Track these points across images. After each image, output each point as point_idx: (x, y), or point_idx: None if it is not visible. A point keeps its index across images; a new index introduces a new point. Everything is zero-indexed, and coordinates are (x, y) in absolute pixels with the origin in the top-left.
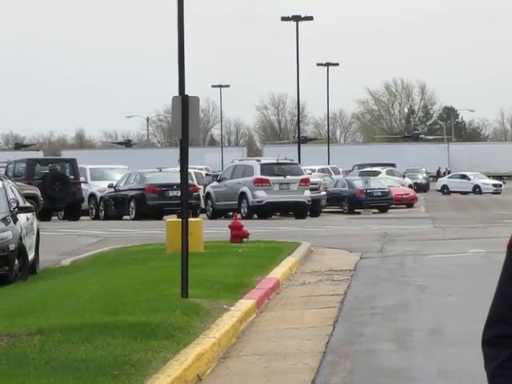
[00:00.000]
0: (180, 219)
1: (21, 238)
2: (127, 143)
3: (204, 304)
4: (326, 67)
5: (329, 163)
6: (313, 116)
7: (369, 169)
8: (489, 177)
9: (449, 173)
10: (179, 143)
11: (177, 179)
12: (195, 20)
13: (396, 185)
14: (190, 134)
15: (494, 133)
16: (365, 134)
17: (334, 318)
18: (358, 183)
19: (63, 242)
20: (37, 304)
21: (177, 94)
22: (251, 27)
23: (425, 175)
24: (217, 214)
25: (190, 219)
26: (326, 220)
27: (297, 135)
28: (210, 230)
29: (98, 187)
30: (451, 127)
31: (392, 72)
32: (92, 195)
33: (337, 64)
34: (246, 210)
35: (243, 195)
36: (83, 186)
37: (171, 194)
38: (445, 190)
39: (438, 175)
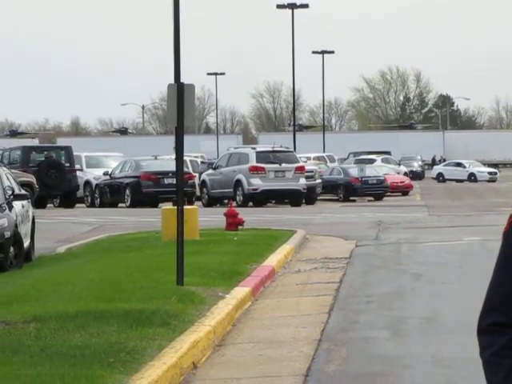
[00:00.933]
0: (175, 207)
1: (16, 226)
2: (122, 131)
3: (199, 292)
4: (321, 55)
5: (324, 151)
6: (308, 104)
7: (364, 157)
8: (484, 165)
9: (444, 161)
10: (174, 131)
11: (172, 167)
12: (191, 7)
13: (391, 173)
14: (185, 122)
15: (490, 121)
16: (360, 122)
17: (329, 306)
18: (354, 171)
19: (58, 230)
20: (32, 291)
21: (172, 81)
22: (247, 14)
23: (420, 163)
24: (212, 201)
25: (185, 207)
26: (322, 208)
27: (292, 123)
28: (206, 218)
29: (94, 175)
30: (446, 115)
31: (387, 60)
32: (87, 183)
33: (332, 52)
34: (242, 198)
35: (238, 183)
36: (78, 173)
37: (166, 181)
38: (440, 177)
39: (434, 163)
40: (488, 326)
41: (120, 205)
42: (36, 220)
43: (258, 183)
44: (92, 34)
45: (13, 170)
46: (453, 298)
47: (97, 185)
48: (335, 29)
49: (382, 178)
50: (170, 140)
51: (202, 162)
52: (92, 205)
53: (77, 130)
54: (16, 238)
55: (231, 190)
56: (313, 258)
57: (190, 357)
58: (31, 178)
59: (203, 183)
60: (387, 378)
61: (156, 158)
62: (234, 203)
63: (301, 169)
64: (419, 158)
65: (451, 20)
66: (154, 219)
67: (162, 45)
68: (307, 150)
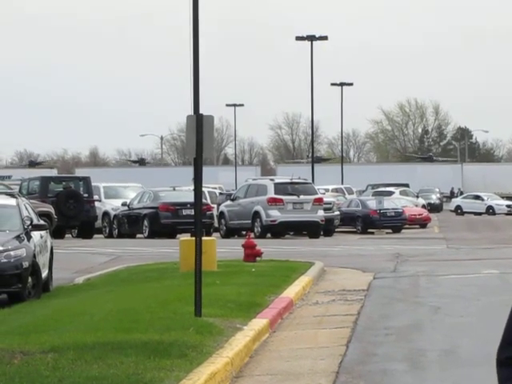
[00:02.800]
0: (194, 238)
1: (34, 256)
2: (141, 161)
3: (217, 323)
4: (339, 87)
5: (342, 183)
6: (326, 136)
7: (382, 189)
8: (502, 198)
9: (462, 193)
10: (193, 162)
11: (190, 198)
12: (210, 38)
13: (409, 205)
14: (204, 153)
15: (508, 153)
16: (378, 154)
17: (347, 338)
18: (372, 203)
19: (77, 260)
20: (50, 322)
21: (191, 112)
22: (266, 46)
23: (438, 195)
24: (230, 232)
25: (203, 238)
26: (340, 240)
27: (310, 155)
28: (224, 249)
29: (112, 205)
30: (465, 148)
31: (406, 92)
32: (106, 213)
33: (351, 84)
34: (260, 229)
35: (257, 214)
36: (97, 204)
37: (185, 212)
38: (458, 210)
39: (452, 195)
40: (506, 359)
41: (138, 236)
42: (54, 250)
43: (276, 215)
44: (112, 66)
45: (31, 200)
46: (471, 330)
47: (115, 215)
48: (354, 61)
49: (401, 211)
50: (189, 171)
51: (221, 194)
52: (110, 235)
53: (95, 161)
54: (34, 268)
55: (249, 221)
56: (331, 289)
57: None
58: (50, 209)
59: (221, 214)
60: None
61: (174, 189)
62: (252, 234)
63: (319, 200)
64: (437, 190)
65: (469, 52)
66: (171, 250)
67: (181, 76)
68: (325, 181)
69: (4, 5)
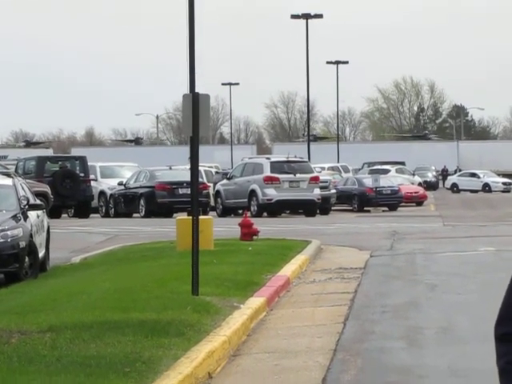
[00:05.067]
0: (190, 217)
1: (31, 236)
2: (137, 141)
3: (214, 302)
4: (335, 65)
5: (338, 161)
6: (322, 114)
7: (378, 167)
8: (498, 175)
9: (460, 171)
10: (189, 141)
11: (187, 177)
12: (205, 18)
13: (405, 183)
14: (200, 132)
15: (504, 131)
16: (374, 133)
17: (344, 316)
18: (368, 181)
19: (73, 240)
20: (47, 301)
21: (186, 91)
22: (261, 25)
23: (434, 173)
24: (227, 211)
25: (200, 217)
26: (336, 218)
27: (306, 133)
28: (220, 228)
29: (108, 185)
30: (461, 125)
31: (401, 70)
32: (102, 193)
33: (346, 62)
34: (256, 208)
35: (253, 193)
36: (93, 183)
37: (181, 191)
38: (454, 188)
39: (443, 173)
40: (502, 334)
41: (134, 215)
42: (51, 230)
43: (272, 193)
44: (107, 46)
45: (28, 180)
46: (468, 308)
47: (111, 195)
48: (349, 39)
49: (397, 189)
50: (185, 150)
51: (217, 172)
52: (106, 215)
53: (91, 140)
54: (31, 248)
55: (246, 200)
56: (327, 268)
57: (205, 367)
58: (46, 188)
59: (217, 193)
60: None
61: (170, 168)
62: (249, 213)
63: (315, 179)
64: (433, 168)
65: (465, 30)
66: (168, 229)
67: (176, 55)
68: (321, 160)
69: None
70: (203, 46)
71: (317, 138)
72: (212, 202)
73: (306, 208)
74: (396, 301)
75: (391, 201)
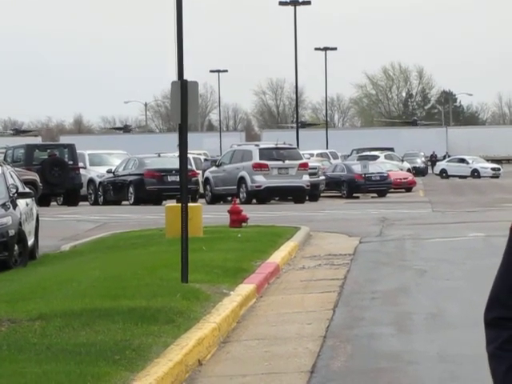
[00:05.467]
0: (179, 204)
1: (20, 224)
2: (125, 128)
3: (204, 289)
4: (323, 52)
5: (327, 148)
6: (311, 101)
7: (367, 153)
8: (487, 161)
9: (448, 157)
10: (178, 128)
11: (176, 164)
12: (193, 5)
13: (394, 169)
14: (188, 119)
15: (493, 117)
16: (363, 119)
17: (334, 303)
18: (357, 167)
19: (62, 228)
20: (37, 289)
21: (174, 78)
22: (249, 12)
23: (423, 159)
24: (216, 198)
25: (189, 204)
26: (325, 204)
27: (295, 120)
28: (209, 215)
29: (97, 172)
30: (449, 111)
31: (390, 56)
32: (91, 180)
33: (335, 48)
34: (245, 195)
35: (242, 180)
36: (82, 171)
37: (170, 179)
38: (443, 174)
39: (432, 160)
40: (492, 319)
41: (123, 203)
42: (40, 218)
43: (261, 180)
44: (93, 33)
45: (16, 168)
46: (457, 294)
47: (100, 183)
48: (338, 26)
49: (386, 175)
50: (173, 137)
51: (206, 160)
52: (95, 203)
53: (80, 128)
54: (20, 236)
55: (235, 187)
56: (317, 254)
57: (195, 354)
58: (35, 176)
59: (206, 180)
60: (393, 374)
61: (159, 156)
62: (238, 200)
63: (304, 165)
64: (422, 154)
65: (453, 16)
66: (157, 217)
67: (164, 42)
68: (310, 146)
69: None
70: (192, 33)
71: (305, 125)
72: (201, 190)
73: (295, 195)
74: (385, 287)
75: (380, 187)
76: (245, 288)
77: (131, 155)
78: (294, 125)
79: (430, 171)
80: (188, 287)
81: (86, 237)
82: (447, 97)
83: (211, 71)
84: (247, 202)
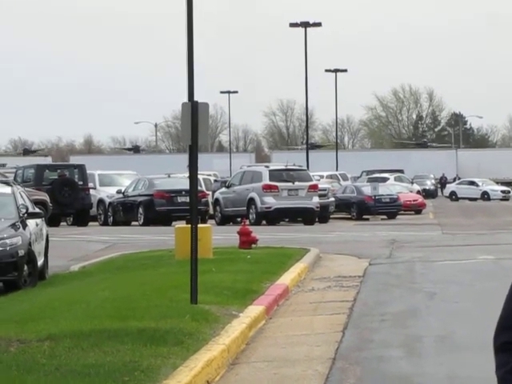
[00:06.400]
0: (189, 225)
1: (30, 244)
2: (135, 149)
3: (213, 310)
4: (334, 73)
5: (337, 169)
6: (321, 122)
7: (377, 175)
8: (497, 183)
9: (458, 179)
10: (188, 149)
11: (185, 185)
12: (204, 26)
13: (404, 191)
14: (199, 140)
15: (503, 139)
16: (373, 141)
17: (343, 325)
18: (367, 189)
19: (72, 248)
20: (46, 310)
21: (185, 99)
22: (260, 34)
23: (433, 181)
24: (225, 219)
25: (198, 225)
26: (335, 226)
27: (305, 141)
28: (219, 236)
29: (107, 193)
30: (459, 133)
31: (400, 78)
32: (101, 201)
33: (345, 70)
34: (255, 216)
35: (252, 201)
36: (92, 191)
37: (180, 199)
38: (453, 196)
39: (442, 182)
40: (502, 344)
41: (133, 223)
42: (50, 238)
43: (271, 201)
44: (106, 54)
45: (26, 189)
46: (467, 316)
47: (110, 203)
48: (348, 47)
49: (395, 197)
50: (183, 158)
51: (215, 181)
52: (105, 223)
53: (90, 148)
54: (30, 257)
55: (244, 208)
56: (326, 276)
57: (204, 375)
58: (45, 197)
59: (216, 201)
60: None
61: (169, 177)
62: (248, 221)
63: (314, 187)
64: (432, 176)
65: (463, 38)
66: (167, 237)
67: (175, 63)
68: (320, 168)
69: None
70: (202, 55)
71: (315, 146)
72: (211, 210)
73: (305, 216)
74: (395, 309)
75: (390, 209)
76: (254, 309)
77: (141, 176)
78: (304, 146)
79: (439, 193)
80: (197, 308)
81: (95, 257)
82: (457, 119)
83: (221, 92)
84: (257, 223)
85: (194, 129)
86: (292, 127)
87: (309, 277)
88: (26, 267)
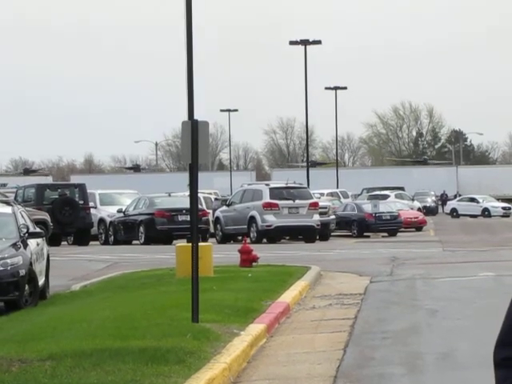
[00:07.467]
0: (190, 244)
1: (31, 264)
2: (136, 168)
3: (214, 329)
4: (334, 91)
5: (337, 187)
6: (321, 140)
7: (378, 192)
8: (498, 200)
9: (459, 196)
10: (188, 168)
11: (186, 204)
12: (204, 45)
13: (405, 208)
14: (199, 159)
15: (503, 156)
16: (373, 158)
17: (344, 342)
18: (367, 207)
19: (73, 267)
20: (47, 329)
21: (185, 118)
22: (259, 51)
23: (434, 198)
24: (226, 238)
25: (199, 244)
26: (336, 244)
27: (305, 159)
28: (220, 255)
29: (108, 212)
30: (460, 150)
31: (400, 95)
32: (101, 220)
33: (345, 88)
34: (256, 234)
35: (252, 219)
36: (92, 210)
37: (180, 218)
38: (454, 213)
39: (443, 199)
40: (501, 360)
41: (134, 242)
42: (50, 258)
43: (271, 219)
44: (104, 73)
45: (27, 208)
46: (468, 333)
47: (111, 222)
48: (348, 64)
49: (396, 214)
50: (184, 177)
51: (216, 199)
52: (106, 242)
53: (90, 168)
54: (31, 276)
55: (245, 226)
56: (327, 294)
57: None
58: (45, 216)
59: (217, 220)
60: None
61: (170, 195)
62: (248, 240)
63: (314, 205)
64: (433, 193)
65: (463, 56)
66: (168, 256)
67: (174, 82)
68: (321, 186)
69: (4, 10)
70: (202, 73)
71: (316, 164)
72: (211, 229)
73: (306, 234)
74: (396, 327)
75: (391, 226)
76: (255, 328)
77: (142, 195)
78: (304, 164)
79: (440, 210)
80: (198, 327)
81: (96, 276)
82: (457, 136)
83: (222, 110)
84: (257, 241)
85: (194, 147)
86: (292, 145)
87: (310, 295)
88: (27, 287)
